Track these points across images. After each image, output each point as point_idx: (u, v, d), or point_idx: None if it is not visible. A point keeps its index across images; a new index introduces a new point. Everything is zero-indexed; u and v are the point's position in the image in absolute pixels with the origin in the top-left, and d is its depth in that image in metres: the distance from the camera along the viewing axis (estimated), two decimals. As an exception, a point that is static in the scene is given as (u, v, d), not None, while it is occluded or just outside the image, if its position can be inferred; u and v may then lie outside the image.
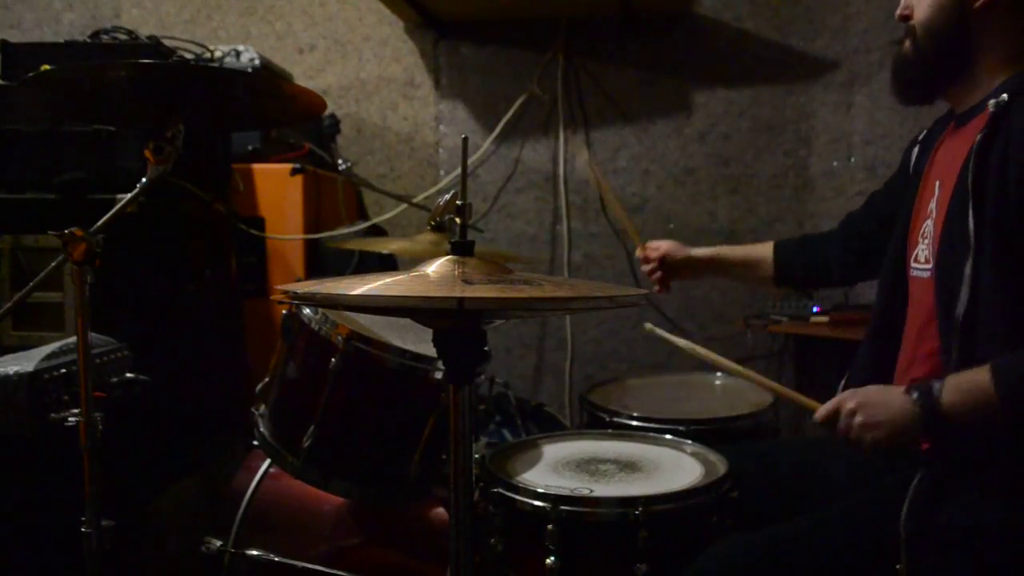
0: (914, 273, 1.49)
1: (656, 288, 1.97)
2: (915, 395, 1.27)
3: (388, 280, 0.95)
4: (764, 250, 1.91)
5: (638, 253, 2.00)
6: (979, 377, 1.23)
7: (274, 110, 1.62)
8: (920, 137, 1.62)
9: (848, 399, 1.34)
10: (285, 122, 2.32)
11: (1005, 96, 1.29)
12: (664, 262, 1.95)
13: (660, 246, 1.95)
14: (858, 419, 1.31)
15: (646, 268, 1.98)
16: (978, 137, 1.30)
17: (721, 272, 2.01)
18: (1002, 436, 1.28)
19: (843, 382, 1.68)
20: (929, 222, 1.45)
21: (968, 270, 1.28)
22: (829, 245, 1.83)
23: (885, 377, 1.51)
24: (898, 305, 1.52)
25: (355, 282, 0.95)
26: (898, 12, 1.48)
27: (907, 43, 1.45)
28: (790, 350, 2.89)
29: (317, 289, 0.99)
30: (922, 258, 1.46)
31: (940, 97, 1.50)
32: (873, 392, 1.34)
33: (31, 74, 1.36)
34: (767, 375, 2.86)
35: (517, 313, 1.45)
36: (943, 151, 1.50)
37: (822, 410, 1.38)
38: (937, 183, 1.45)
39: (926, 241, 1.46)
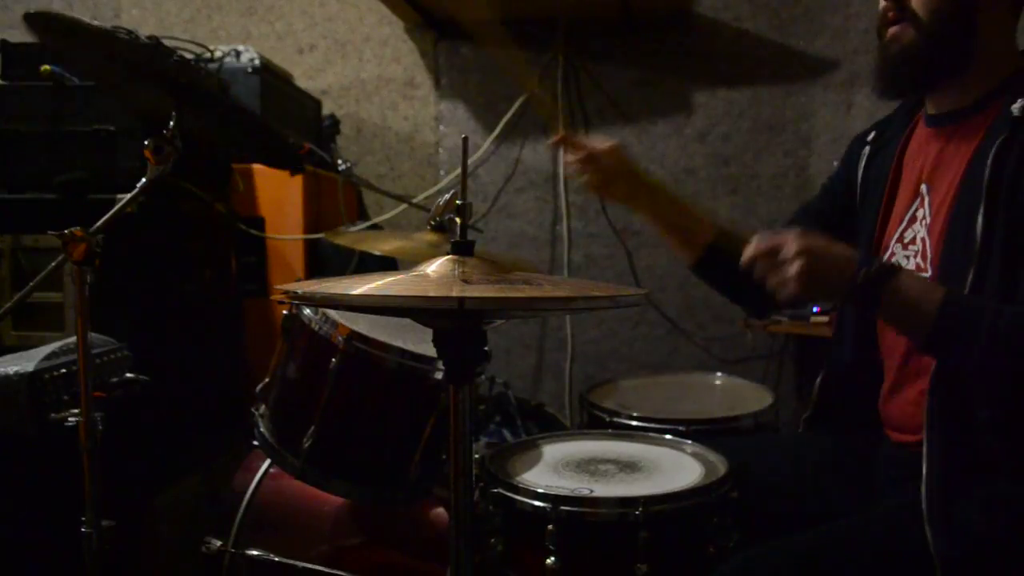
0: None
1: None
2: (861, 273, 1.21)
3: (388, 280, 0.95)
4: (707, 228, 1.64)
5: (553, 140, 1.64)
6: (931, 293, 1.20)
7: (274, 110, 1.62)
8: (869, 138, 1.55)
9: (792, 243, 1.21)
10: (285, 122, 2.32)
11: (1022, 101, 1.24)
12: (593, 161, 1.61)
13: (593, 143, 1.61)
14: (796, 267, 1.19)
15: (568, 159, 1.64)
16: (997, 140, 1.24)
17: (660, 214, 1.66)
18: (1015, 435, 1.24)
19: (819, 380, 1.65)
20: (917, 227, 1.40)
21: (971, 278, 1.23)
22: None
23: (868, 382, 1.50)
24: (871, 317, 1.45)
25: (355, 282, 0.95)
26: None
27: (908, 30, 1.34)
28: (790, 350, 2.89)
29: (317, 289, 0.99)
30: (907, 266, 1.40)
31: (929, 92, 1.42)
32: (822, 246, 1.22)
33: (32, 11, 1.29)
34: (767, 376, 2.81)
35: (517, 313, 1.45)
36: (922, 152, 1.43)
37: (761, 244, 1.23)
38: (924, 187, 1.40)
39: (912, 248, 1.40)
